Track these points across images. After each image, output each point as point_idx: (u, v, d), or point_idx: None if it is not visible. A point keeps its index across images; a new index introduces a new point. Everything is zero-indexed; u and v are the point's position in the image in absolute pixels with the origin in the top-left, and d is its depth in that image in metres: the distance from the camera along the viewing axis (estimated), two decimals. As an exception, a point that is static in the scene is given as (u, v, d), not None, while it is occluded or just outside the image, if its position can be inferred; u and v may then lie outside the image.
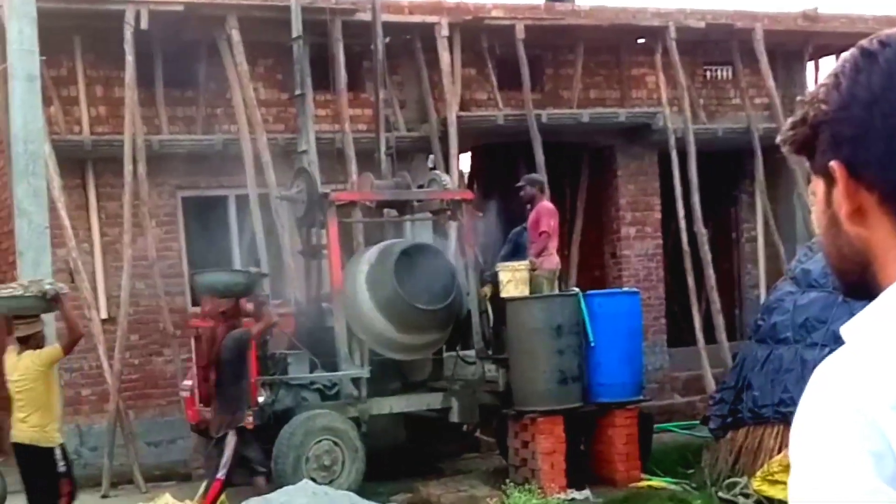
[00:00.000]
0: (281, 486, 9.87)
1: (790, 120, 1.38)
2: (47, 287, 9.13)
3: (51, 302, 9.11)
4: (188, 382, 12.31)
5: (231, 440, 10.39)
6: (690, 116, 15.98)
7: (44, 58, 11.82)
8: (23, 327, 9.09)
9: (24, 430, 9.03)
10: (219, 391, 10.61)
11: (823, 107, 1.32)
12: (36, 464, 9.04)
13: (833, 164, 1.30)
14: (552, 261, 12.32)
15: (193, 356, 12.19)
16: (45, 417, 9.04)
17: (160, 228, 13.99)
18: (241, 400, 10.63)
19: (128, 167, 13.03)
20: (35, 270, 11.16)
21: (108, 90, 14.00)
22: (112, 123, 13.83)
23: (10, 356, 9.17)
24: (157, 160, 13.57)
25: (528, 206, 12.60)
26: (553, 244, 12.40)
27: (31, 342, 9.06)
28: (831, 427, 1.20)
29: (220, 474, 10.33)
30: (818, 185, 1.35)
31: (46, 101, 12.59)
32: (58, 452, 9.10)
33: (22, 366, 9.03)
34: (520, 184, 12.63)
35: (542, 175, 13.42)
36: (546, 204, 12.50)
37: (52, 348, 9.26)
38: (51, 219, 11.63)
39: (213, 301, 10.93)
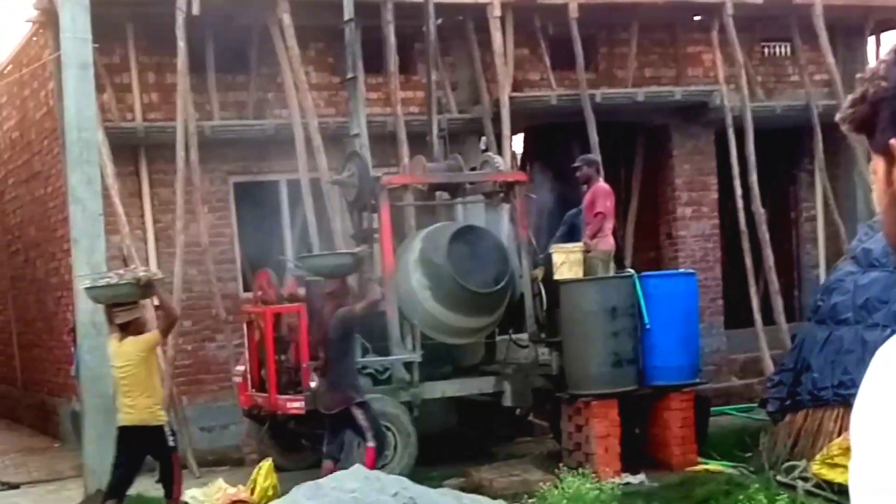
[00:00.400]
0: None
1: (849, 97, 1.32)
2: (141, 274, 9.59)
3: (145, 288, 9.51)
4: (240, 368, 12.36)
5: (357, 412, 10.46)
6: (748, 94, 15.73)
7: (96, 45, 11.87)
8: (122, 314, 9.45)
9: (132, 413, 9.44)
10: (329, 369, 10.70)
11: (883, 83, 1.28)
12: (147, 443, 9.52)
13: (893, 142, 1.26)
14: (607, 242, 12.18)
15: (246, 342, 12.23)
16: (151, 399, 9.46)
17: (212, 214, 14.03)
18: (350, 376, 10.72)
19: (180, 153, 13.06)
20: (89, 258, 11.26)
21: (160, 77, 14.05)
22: (164, 110, 13.88)
23: (113, 343, 9.58)
24: (209, 146, 13.60)
25: (584, 187, 12.46)
26: (609, 225, 12.26)
27: (131, 328, 9.46)
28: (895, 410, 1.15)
29: (370, 443, 10.45)
30: (878, 163, 1.32)
31: (99, 89, 12.66)
32: (166, 430, 9.61)
33: (124, 352, 9.42)
34: (576, 164, 12.48)
35: (596, 155, 13.26)
36: (602, 185, 12.35)
37: (151, 334, 9.69)
38: (104, 206, 11.72)
39: (305, 283, 11.14)
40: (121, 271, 9.92)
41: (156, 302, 10.69)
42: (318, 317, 11.02)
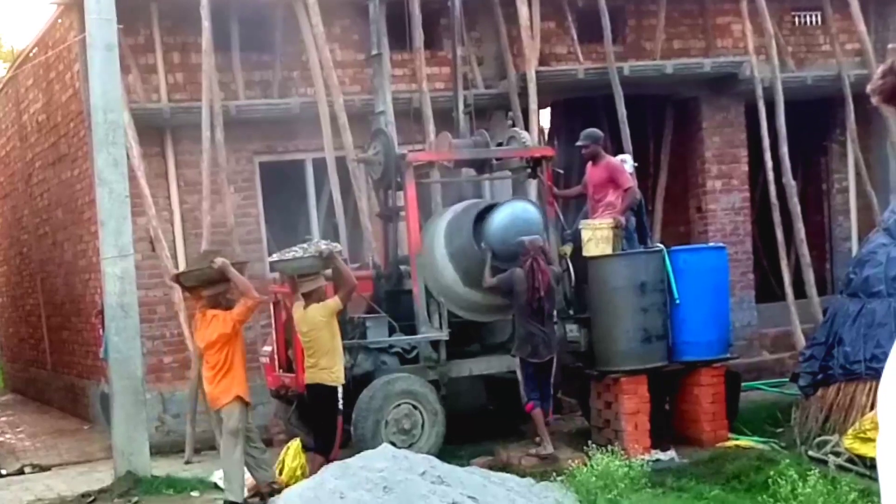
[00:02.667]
0: (360, 451, 9.82)
1: (879, 68, 1.24)
2: (323, 247, 10.47)
3: (327, 259, 10.38)
4: (267, 349, 12.35)
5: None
6: (778, 65, 15.52)
7: (121, 26, 11.86)
8: (306, 284, 10.36)
9: (314, 372, 10.36)
10: (547, 325, 11.23)
11: None
12: (322, 401, 10.35)
13: None
14: (626, 201, 11.99)
15: (273, 322, 12.21)
16: (331, 360, 10.35)
17: (238, 194, 14.01)
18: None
19: (205, 134, 13.03)
20: (116, 239, 11.28)
21: (185, 57, 14.01)
22: (189, 90, 13.85)
23: (298, 310, 10.44)
24: (235, 126, 13.56)
25: (590, 163, 12.23)
26: (619, 201, 12.04)
27: (314, 296, 10.36)
28: None
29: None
30: None
31: (124, 70, 12.65)
32: (340, 391, 10.34)
33: (309, 318, 10.32)
34: (580, 143, 12.22)
35: (599, 130, 12.84)
36: (614, 161, 12.15)
37: (333, 300, 10.43)
38: (131, 187, 11.74)
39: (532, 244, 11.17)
40: (304, 245, 10.66)
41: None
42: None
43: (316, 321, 10.29)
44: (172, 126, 13.82)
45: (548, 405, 11.38)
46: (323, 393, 10.34)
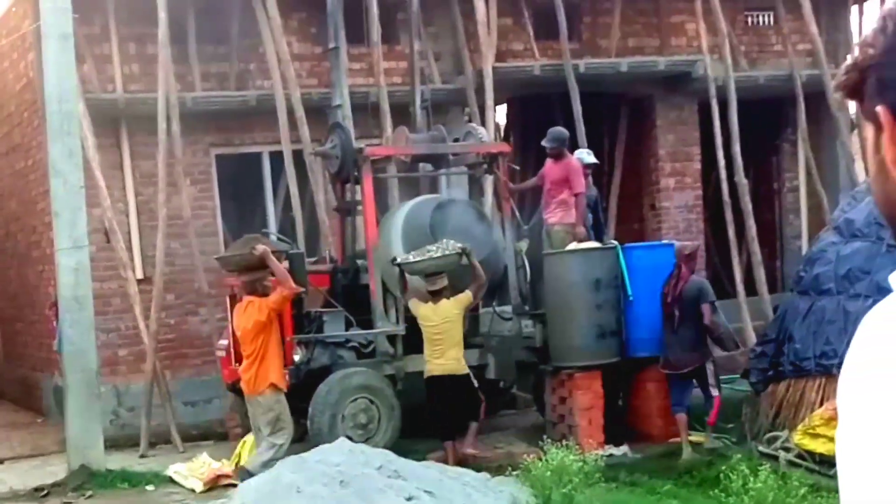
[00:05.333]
0: (317, 445, 9.84)
1: (844, 64, 1.31)
2: (458, 246, 11.03)
3: (467, 257, 10.99)
4: (223, 342, 12.32)
5: (709, 367, 11.38)
6: (731, 64, 15.68)
7: (77, 16, 11.74)
8: (438, 281, 10.90)
9: (440, 364, 10.90)
10: (678, 333, 11.32)
11: (871, 50, 1.29)
12: (454, 390, 10.88)
13: (879, 108, 1.27)
14: (571, 216, 12.13)
15: (229, 315, 12.17)
16: (459, 352, 10.98)
17: (194, 187, 13.97)
18: (701, 340, 11.39)
19: (161, 125, 12.97)
20: (71, 231, 11.21)
21: (141, 47, 13.93)
22: (145, 81, 13.78)
23: (423, 306, 11.01)
24: (191, 118, 13.51)
25: (551, 160, 12.35)
26: (573, 200, 12.18)
27: (445, 292, 10.89)
28: (884, 378, 1.17)
29: (714, 393, 11.41)
30: (868, 130, 1.32)
31: (79, 60, 12.53)
32: (471, 376, 11.03)
33: (442, 312, 10.88)
34: (546, 143, 12.32)
35: (563, 130, 12.98)
36: (574, 162, 12.27)
37: (465, 294, 11.00)
38: (85, 178, 11.65)
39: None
40: (440, 244, 11.12)
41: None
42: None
43: (451, 314, 10.88)
44: (128, 117, 13.74)
45: (709, 406, 11.43)
46: (454, 383, 10.90)
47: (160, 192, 13.05)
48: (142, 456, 12.26)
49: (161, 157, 13.01)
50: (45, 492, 10.69)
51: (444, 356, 10.90)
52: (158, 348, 13.06)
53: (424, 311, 11.00)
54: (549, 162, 12.32)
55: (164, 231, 13.01)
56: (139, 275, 13.52)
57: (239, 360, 11.81)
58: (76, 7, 11.54)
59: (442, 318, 10.90)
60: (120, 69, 13.77)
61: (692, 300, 11.23)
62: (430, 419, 11.21)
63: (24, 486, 11.03)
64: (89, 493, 10.53)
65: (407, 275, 11.23)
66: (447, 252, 10.97)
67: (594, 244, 12.09)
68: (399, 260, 11.20)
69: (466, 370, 11.03)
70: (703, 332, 11.29)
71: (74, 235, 11.24)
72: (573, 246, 11.89)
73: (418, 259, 11.05)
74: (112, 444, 11.96)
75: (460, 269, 11.12)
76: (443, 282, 10.90)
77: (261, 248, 10.22)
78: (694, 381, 11.41)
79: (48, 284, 14.25)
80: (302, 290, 10.85)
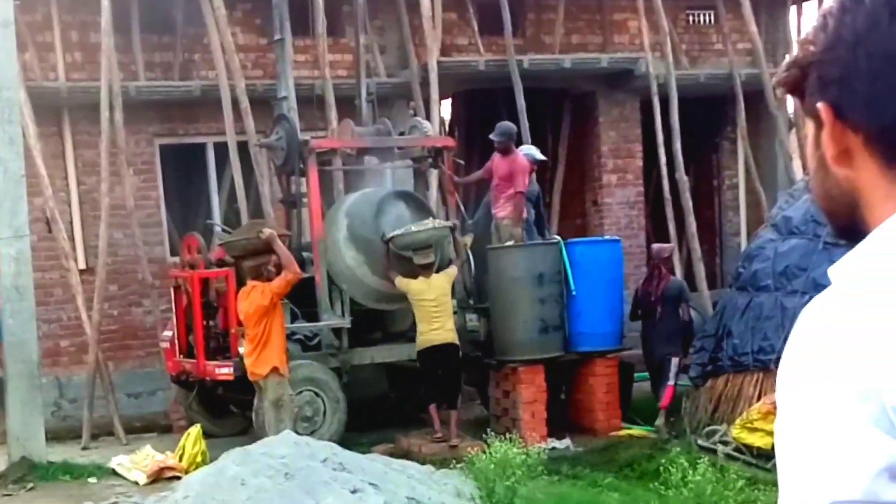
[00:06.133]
0: (261, 438, 9.84)
1: (785, 61, 1.36)
2: (450, 222, 11.79)
3: (452, 233, 11.67)
4: (168, 333, 12.27)
5: (674, 360, 12.02)
6: (673, 62, 15.84)
7: (17, 2, 11.60)
8: (429, 255, 11.27)
9: (442, 333, 11.23)
10: (657, 328, 12.14)
11: (811, 48, 1.31)
12: (451, 358, 11.30)
13: (820, 105, 1.29)
14: (519, 206, 12.21)
15: (173, 307, 12.14)
16: (453, 322, 11.40)
17: (138, 177, 13.87)
18: (678, 333, 12.18)
19: (104, 114, 12.87)
20: (11, 220, 11.09)
21: (83, 36, 13.79)
22: (88, 70, 13.64)
23: (417, 283, 11.21)
24: (134, 107, 13.41)
25: (499, 154, 12.43)
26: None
27: (432, 267, 11.29)
28: (821, 370, 1.19)
29: (671, 382, 12.03)
30: (808, 126, 1.35)
31: (21, 48, 12.36)
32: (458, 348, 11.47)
33: (437, 285, 11.23)
34: (496, 137, 12.40)
35: (511, 125, 13.09)
36: (522, 159, 12.34)
37: (452, 269, 11.56)
38: (27, 167, 11.51)
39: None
40: (426, 222, 11.52)
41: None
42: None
43: (445, 287, 11.27)
44: (70, 106, 13.61)
45: (662, 392, 12.08)
46: (452, 350, 11.31)
47: (103, 182, 12.94)
48: (84, 448, 12.17)
49: (104, 146, 12.91)
50: (-14, 484, 10.58)
51: (444, 327, 11.24)
52: (101, 339, 12.96)
53: (418, 286, 11.22)
54: (496, 156, 12.40)
55: (107, 221, 12.92)
56: (81, 265, 13.41)
57: (183, 350, 11.84)
58: (18, -6, 11.41)
59: (438, 290, 11.21)
60: (62, 57, 13.63)
61: (673, 298, 12.09)
62: (426, 386, 11.63)
63: (-36, 478, 10.90)
64: (30, 485, 10.44)
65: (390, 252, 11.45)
66: (439, 225, 11.51)
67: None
68: (395, 233, 11.35)
69: (457, 341, 11.43)
70: (680, 327, 12.11)
71: (15, 224, 11.12)
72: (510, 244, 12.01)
73: (416, 230, 11.33)
74: (54, 437, 11.86)
75: (445, 246, 11.62)
76: (433, 255, 11.28)
77: (268, 231, 10.41)
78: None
79: (-12, 274, 14.07)
80: (305, 275, 10.93)
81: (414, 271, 11.28)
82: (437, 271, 11.45)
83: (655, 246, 12.96)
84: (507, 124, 12.66)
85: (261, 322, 10.26)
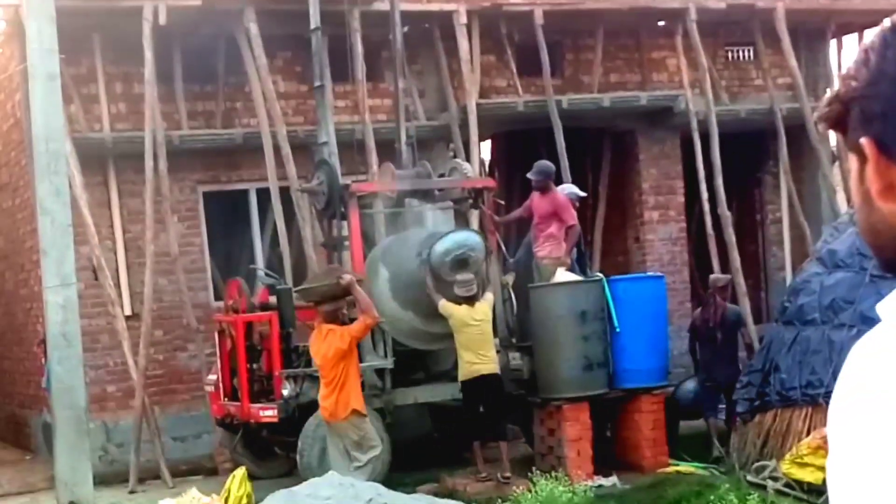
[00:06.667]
0: (306, 479, 9.85)
1: (826, 96, 1.36)
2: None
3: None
4: (212, 377, 12.34)
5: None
6: (712, 98, 15.82)
7: (63, 56, 11.81)
8: (472, 287, 11.16)
9: (489, 363, 11.12)
10: (720, 353, 12.57)
11: (853, 83, 1.31)
12: (497, 388, 11.23)
13: (863, 141, 1.28)
14: (561, 248, 12.21)
15: (217, 350, 12.22)
16: (494, 351, 11.33)
17: (182, 224, 14.02)
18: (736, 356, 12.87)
19: (148, 163, 13.05)
20: (59, 268, 11.21)
21: (127, 87, 14.02)
22: (132, 120, 13.86)
23: (462, 310, 11.10)
24: (178, 156, 13.59)
25: (538, 193, 12.46)
26: (560, 233, 12.27)
27: (475, 298, 11.20)
28: (873, 405, 1.18)
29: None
30: (852, 161, 1.34)
31: (67, 100, 12.60)
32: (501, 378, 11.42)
33: (482, 311, 11.17)
34: (534, 176, 12.43)
35: (549, 164, 13.10)
36: (561, 196, 12.36)
37: (490, 296, 11.46)
38: (73, 216, 11.65)
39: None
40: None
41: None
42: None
43: (488, 314, 11.25)
44: (115, 155, 13.81)
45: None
46: (496, 381, 11.24)
47: (148, 230, 13.10)
48: (131, 492, 12.23)
49: (148, 194, 13.07)
50: (35, 529, 10.65)
51: (488, 355, 11.16)
52: (147, 384, 13.07)
53: (464, 313, 11.11)
54: (535, 195, 12.42)
55: (152, 268, 13.05)
56: (127, 311, 13.54)
57: (228, 394, 11.89)
58: (63, 47, 11.61)
59: (482, 317, 11.16)
60: (107, 108, 13.85)
61: (733, 324, 12.83)
62: (469, 421, 11.38)
63: (14, 524, 11.00)
64: (78, 529, 10.51)
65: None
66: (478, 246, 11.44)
67: (576, 277, 12.15)
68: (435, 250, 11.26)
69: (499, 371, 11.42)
70: (737, 350, 12.86)
71: (62, 273, 11.25)
72: (557, 275, 11.98)
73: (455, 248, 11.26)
74: (101, 481, 11.92)
75: (483, 272, 11.57)
76: (475, 286, 11.18)
77: (348, 277, 10.57)
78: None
79: (36, 322, 14.25)
80: (382, 319, 11.03)
81: (456, 298, 11.18)
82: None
83: (712, 276, 13.43)
84: (544, 163, 12.69)
85: (338, 365, 10.38)
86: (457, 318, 11.12)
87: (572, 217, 12.15)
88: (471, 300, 11.18)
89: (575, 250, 12.75)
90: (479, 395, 11.19)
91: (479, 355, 11.10)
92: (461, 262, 11.17)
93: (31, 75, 11.44)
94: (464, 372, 11.19)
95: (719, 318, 12.59)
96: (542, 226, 12.24)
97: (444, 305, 11.13)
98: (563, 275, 11.96)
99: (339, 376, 10.37)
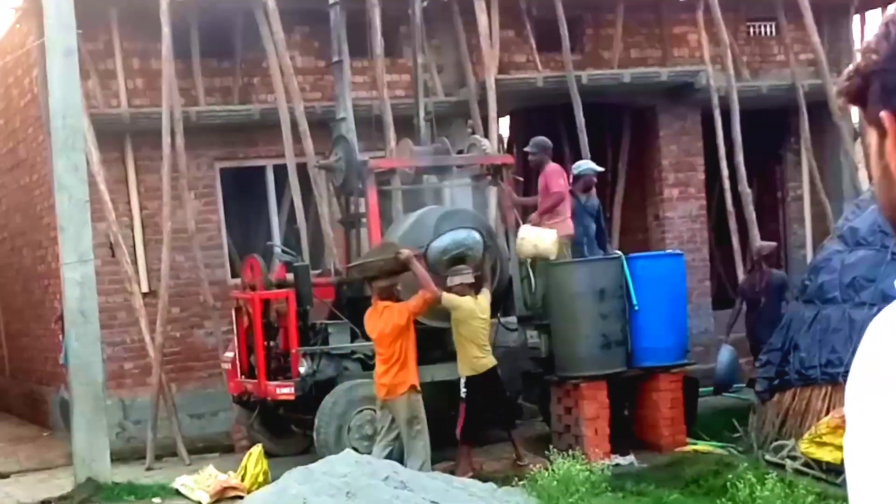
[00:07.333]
0: (323, 457, 9.84)
1: (846, 70, 1.32)
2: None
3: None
4: (229, 354, 12.34)
5: None
6: (734, 74, 15.71)
7: (80, 31, 11.78)
8: (472, 275, 10.88)
9: (491, 357, 10.96)
10: (763, 316, 12.99)
11: (874, 56, 1.29)
12: (498, 381, 11.11)
13: (883, 114, 1.27)
14: (566, 226, 12.13)
15: (234, 328, 12.21)
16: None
17: (199, 200, 14.01)
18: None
19: (166, 139, 13.03)
20: (76, 245, 11.23)
21: (144, 62, 13.99)
22: (149, 96, 13.84)
23: (468, 302, 10.79)
24: (195, 132, 13.56)
25: (537, 173, 12.42)
26: (566, 208, 12.17)
27: (473, 287, 10.92)
28: (889, 382, 1.17)
29: None
30: (872, 136, 1.32)
31: (84, 75, 12.57)
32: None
33: (483, 305, 10.91)
34: (529, 150, 12.39)
35: (545, 139, 12.93)
36: (552, 165, 12.29)
37: (488, 288, 11.18)
38: (90, 193, 11.68)
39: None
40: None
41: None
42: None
43: (488, 309, 11.01)
44: (132, 131, 13.79)
45: None
46: (496, 374, 11.08)
47: (165, 206, 13.09)
48: (148, 468, 12.26)
49: (165, 171, 13.06)
50: (52, 505, 10.69)
51: (488, 348, 11.02)
52: (164, 361, 13.07)
53: (471, 304, 10.86)
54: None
55: (169, 244, 13.05)
56: (144, 288, 13.55)
57: (244, 371, 11.89)
58: (80, 23, 11.58)
59: (486, 310, 10.99)
60: (124, 84, 13.83)
61: (778, 288, 13.44)
62: (471, 417, 11.04)
63: (32, 499, 11.03)
64: (96, 505, 10.54)
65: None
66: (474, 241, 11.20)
67: (547, 232, 11.84)
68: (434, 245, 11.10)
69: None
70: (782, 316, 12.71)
71: (80, 249, 11.26)
72: (525, 228, 11.83)
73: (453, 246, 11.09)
74: (118, 457, 11.96)
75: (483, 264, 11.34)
76: (471, 276, 10.94)
77: (406, 252, 10.40)
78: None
79: (54, 298, 14.28)
80: (440, 295, 10.74)
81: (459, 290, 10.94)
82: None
83: (756, 244, 14.29)
84: (540, 138, 12.59)
85: (396, 341, 10.27)
86: (464, 310, 10.82)
87: (558, 185, 12.05)
88: (470, 289, 10.95)
89: (594, 226, 12.66)
90: (485, 388, 11.00)
91: (482, 349, 10.97)
92: (458, 261, 11.04)
93: (48, 50, 11.43)
94: (470, 366, 10.96)
95: (765, 283, 13.28)
96: (542, 202, 12.20)
97: (450, 298, 10.82)
98: (529, 231, 11.79)
99: (397, 353, 10.26)
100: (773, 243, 14.63)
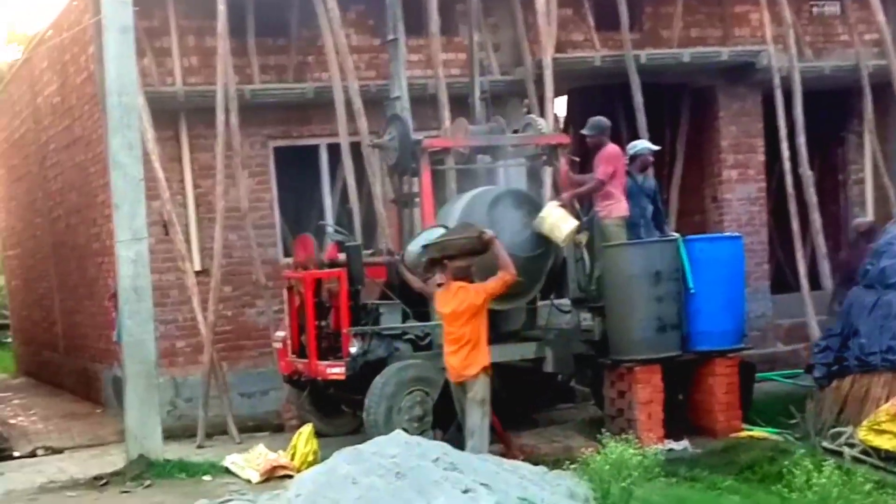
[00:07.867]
0: (372, 437, 9.78)
1: None
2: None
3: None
4: (281, 333, 12.34)
5: None
6: (796, 54, 15.46)
7: (136, 9, 11.75)
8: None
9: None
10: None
11: None
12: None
13: None
14: (621, 207, 11.93)
15: (286, 307, 12.20)
16: None
17: (252, 179, 14.02)
18: None
19: (220, 118, 13.03)
20: (130, 223, 11.26)
21: (200, 40, 13.99)
22: (204, 74, 13.84)
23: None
24: (249, 110, 13.56)
25: (595, 154, 12.22)
26: (618, 191, 11.95)
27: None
28: None
29: None
30: None
31: (139, 53, 12.54)
32: None
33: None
34: (587, 132, 12.17)
35: (604, 119, 12.68)
36: (608, 148, 12.02)
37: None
38: (145, 171, 11.70)
39: None
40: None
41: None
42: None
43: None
44: (187, 110, 13.81)
45: None
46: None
47: (218, 185, 13.10)
48: (199, 447, 12.30)
49: (219, 149, 13.06)
50: (105, 481, 10.72)
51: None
52: (216, 340, 13.10)
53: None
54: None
55: (222, 223, 13.06)
56: (197, 266, 13.57)
57: (295, 350, 11.87)
58: (136, 0, 11.57)
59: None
60: (179, 62, 13.85)
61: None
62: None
63: (84, 475, 11.09)
64: (147, 482, 10.56)
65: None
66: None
67: (567, 221, 11.50)
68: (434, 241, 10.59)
69: None
70: None
71: (134, 227, 11.28)
72: (550, 206, 11.56)
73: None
74: (169, 435, 12.00)
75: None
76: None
77: (489, 232, 10.15)
78: None
79: (108, 276, 14.37)
80: (520, 278, 10.49)
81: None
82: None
83: (855, 221, 14.63)
84: (598, 118, 12.35)
85: (470, 322, 10.00)
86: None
87: (604, 174, 11.83)
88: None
89: (651, 208, 12.47)
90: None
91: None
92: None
93: (104, 28, 11.45)
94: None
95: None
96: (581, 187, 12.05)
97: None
98: (552, 211, 11.59)
99: (469, 334, 10.00)
100: (870, 220, 14.51)
